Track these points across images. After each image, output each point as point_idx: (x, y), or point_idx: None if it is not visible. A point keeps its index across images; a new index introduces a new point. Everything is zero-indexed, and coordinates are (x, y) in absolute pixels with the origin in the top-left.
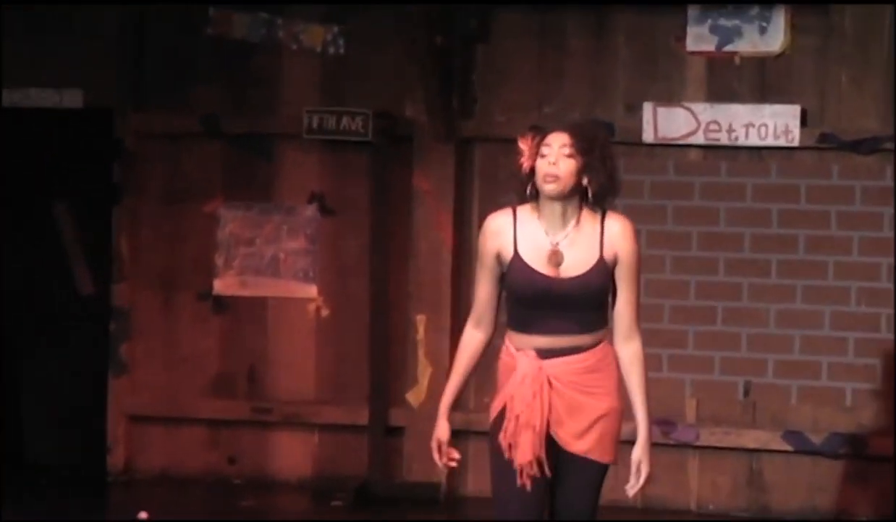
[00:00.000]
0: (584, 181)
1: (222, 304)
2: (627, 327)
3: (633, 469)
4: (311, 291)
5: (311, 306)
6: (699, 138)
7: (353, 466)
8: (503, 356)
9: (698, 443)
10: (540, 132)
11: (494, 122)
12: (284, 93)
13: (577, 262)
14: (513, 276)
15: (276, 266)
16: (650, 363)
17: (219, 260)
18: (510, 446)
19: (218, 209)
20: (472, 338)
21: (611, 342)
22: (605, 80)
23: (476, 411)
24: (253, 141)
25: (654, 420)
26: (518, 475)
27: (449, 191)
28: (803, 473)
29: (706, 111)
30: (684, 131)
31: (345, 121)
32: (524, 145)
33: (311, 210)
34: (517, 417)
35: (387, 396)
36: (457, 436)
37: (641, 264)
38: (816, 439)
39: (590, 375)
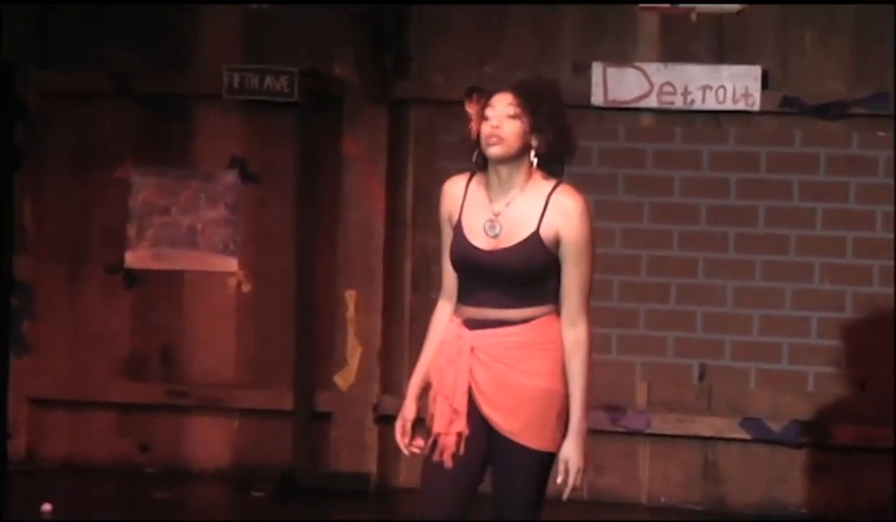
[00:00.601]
0: (532, 142)
1: (134, 278)
2: (571, 311)
3: (561, 467)
4: (232, 264)
5: (232, 281)
6: (652, 102)
7: (276, 454)
8: None
9: (649, 431)
10: (485, 94)
11: (431, 82)
12: (202, 49)
13: (511, 233)
14: (452, 245)
15: (193, 237)
16: (597, 344)
17: (131, 231)
18: (430, 417)
19: (130, 175)
20: (442, 311)
21: (557, 320)
22: (550, 37)
23: None
24: (168, 101)
25: (603, 406)
26: (429, 446)
27: (381, 156)
28: (762, 464)
29: (660, 72)
30: (636, 94)
31: (268, 80)
32: (470, 110)
33: (231, 176)
34: (432, 386)
35: (313, 378)
36: (389, 421)
37: (593, 245)
38: (776, 427)
39: (521, 351)
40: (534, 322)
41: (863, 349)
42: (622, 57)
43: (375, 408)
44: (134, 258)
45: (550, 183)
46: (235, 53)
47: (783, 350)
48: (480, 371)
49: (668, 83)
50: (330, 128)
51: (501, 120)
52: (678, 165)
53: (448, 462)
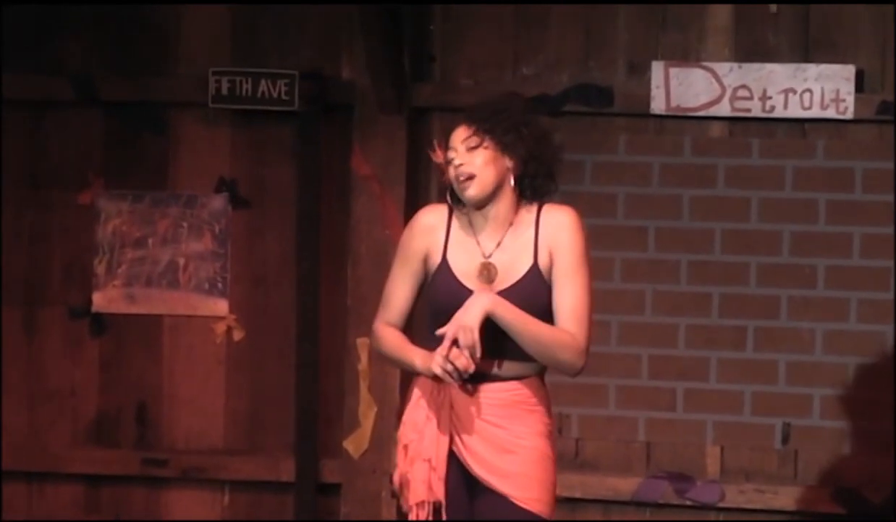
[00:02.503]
0: (507, 165)
1: (103, 324)
2: (565, 327)
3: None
4: (220, 307)
5: (220, 327)
6: (724, 109)
7: None
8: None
9: (723, 504)
10: (445, 140)
11: (458, 86)
12: (183, 49)
13: (507, 273)
14: (436, 286)
15: (173, 275)
16: (660, 401)
17: (99, 267)
18: (403, 483)
19: (97, 200)
20: (393, 330)
21: (544, 383)
22: (601, 31)
23: None
24: (142, 111)
25: (666, 475)
26: (414, 517)
27: (398, 176)
28: None
29: (733, 73)
30: (705, 100)
31: (263, 85)
32: (437, 160)
33: (219, 201)
34: (405, 447)
35: (318, 444)
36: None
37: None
38: (876, 498)
39: (507, 410)
40: (525, 381)
41: None
42: (688, 55)
43: (395, 486)
44: (103, 300)
45: (535, 206)
46: (223, 54)
47: (883, 407)
48: (465, 430)
49: (744, 86)
50: (337, 141)
51: (464, 156)
52: (756, 184)
53: None
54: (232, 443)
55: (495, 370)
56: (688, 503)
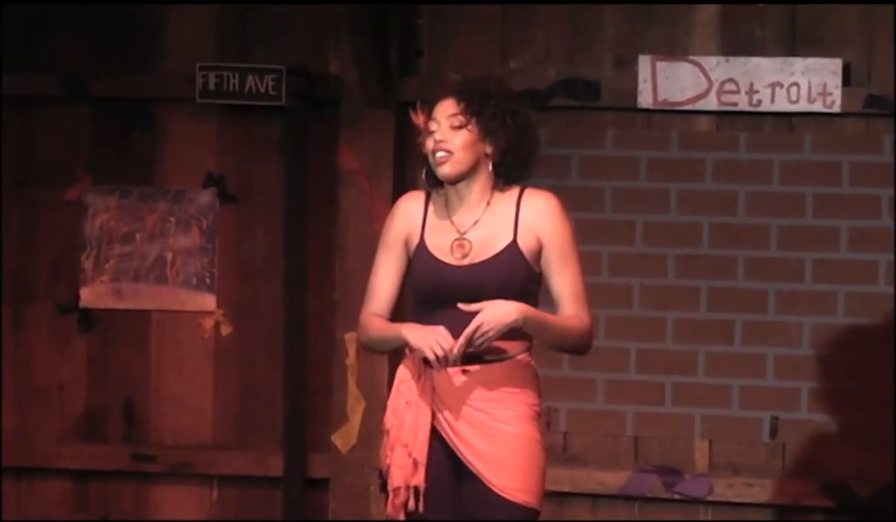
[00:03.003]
0: (486, 150)
1: (91, 320)
2: (570, 310)
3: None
4: (208, 302)
5: (208, 322)
6: (711, 102)
7: None
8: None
9: (711, 498)
10: (430, 104)
11: (446, 81)
12: (170, 44)
13: (484, 247)
14: (416, 265)
15: (161, 270)
16: (649, 395)
17: (86, 262)
18: (386, 468)
19: (84, 195)
20: (375, 317)
21: (531, 363)
22: (588, 25)
23: None
24: (130, 107)
25: (655, 468)
26: (389, 504)
27: (386, 171)
28: None
29: (720, 67)
30: (692, 94)
31: (250, 80)
32: (417, 122)
33: (206, 196)
34: (387, 432)
35: (307, 439)
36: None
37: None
38: (865, 492)
39: (491, 393)
40: (508, 363)
41: None
42: (674, 49)
43: (381, 474)
44: (90, 296)
45: (515, 190)
46: (210, 49)
47: (871, 400)
48: (450, 414)
49: (731, 80)
50: (324, 136)
51: (446, 133)
52: (743, 178)
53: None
54: (220, 438)
55: (479, 353)
56: (676, 496)
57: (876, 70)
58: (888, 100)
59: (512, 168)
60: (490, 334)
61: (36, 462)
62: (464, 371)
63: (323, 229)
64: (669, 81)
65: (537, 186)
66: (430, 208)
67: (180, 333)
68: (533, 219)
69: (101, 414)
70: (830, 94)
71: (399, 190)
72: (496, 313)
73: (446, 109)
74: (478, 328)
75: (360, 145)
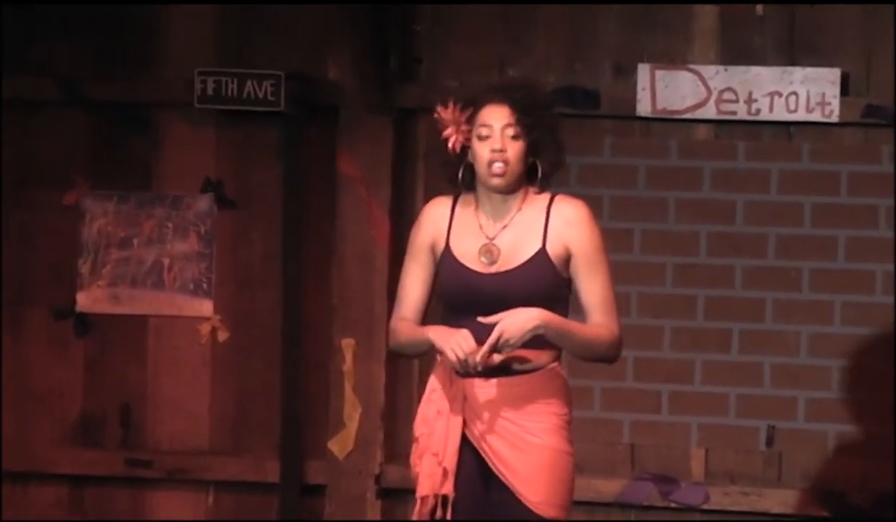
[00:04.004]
0: (538, 164)
1: (88, 324)
2: (599, 319)
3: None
4: (205, 307)
5: (205, 328)
6: (710, 111)
7: None
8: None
9: (707, 507)
10: (469, 102)
11: (444, 88)
12: (169, 49)
13: (513, 254)
14: (442, 272)
15: (158, 275)
16: (645, 403)
17: (83, 267)
18: (416, 476)
19: (82, 200)
20: (405, 321)
21: (560, 371)
22: (588, 33)
23: None
24: (128, 111)
25: (651, 476)
26: (415, 513)
27: (384, 177)
28: None
29: (719, 76)
30: (690, 102)
31: (249, 86)
32: (446, 116)
33: (204, 202)
34: (417, 440)
35: (303, 445)
36: (394, 496)
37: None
38: (862, 502)
39: (523, 404)
40: (537, 374)
41: None
42: (674, 58)
43: (378, 480)
44: (87, 301)
45: (545, 196)
46: (209, 54)
47: (867, 409)
48: (479, 422)
49: (729, 89)
50: (322, 143)
51: (504, 142)
52: (741, 187)
53: None
54: (216, 444)
55: (508, 363)
56: (672, 505)
57: (874, 80)
58: (887, 110)
59: (542, 178)
60: (512, 341)
61: (32, 466)
62: (488, 379)
63: (320, 235)
64: (668, 90)
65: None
66: (457, 211)
67: (177, 338)
68: (562, 227)
69: (98, 419)
70: (829, 103)
71: (397, 197)
72: (517, 320)
73: (501, 117)
74: (500, 335)
75: (359, 152)
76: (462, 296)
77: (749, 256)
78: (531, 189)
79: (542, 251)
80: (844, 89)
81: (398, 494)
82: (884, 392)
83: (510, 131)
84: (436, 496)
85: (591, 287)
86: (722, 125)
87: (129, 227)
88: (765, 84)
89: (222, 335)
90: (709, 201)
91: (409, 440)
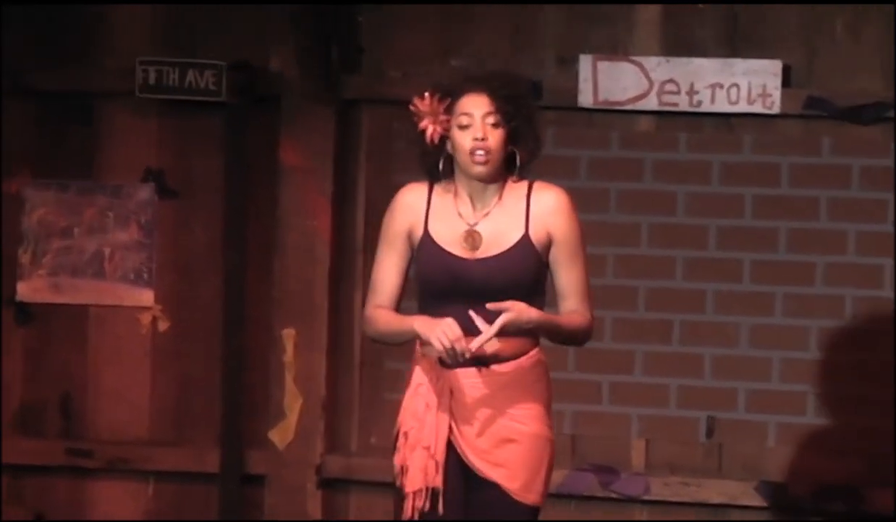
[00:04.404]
0: (516, 152)
1: (28, 314)
2: (574, 305)
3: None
4: (146, 297)
5: (146, 318)
6: (651, 103)
7: None
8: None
9: (648, 497)
10: (447, 92)
11: (387, 78)
12: (110, 39)
13: (496, 241)
14: (421, 258)
15: (99, 265)
16: (586, 394)
17: (24, 257)
18: (402, 470)
19: (23, 189)
20: (383, 309)
21: (540, 353)
22: (530, 24)
23: (360, 455)
24: (69, 101)
25: (591, 467)
26: (408, 507)
27: (327, 167)
28: None
29: (661, 67)
30: (632, 93)
31: (190, 75)
32: (423, 108)
33: (145, 191)
34: (405, 434)
35: (243, 435)
36: (335, 486)
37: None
38: (800, 492)
39: (506, 392)
40: (523, 359)
41: None
42: (616, 49)
43: (319, 470)
44: (28, 290)
45: (523, 184)
46: (150, 44)
47: (808, 401)
48: (462, 417)
49: (671, 80)
50: (265, 133)
51: (486, 130)
52: (683, 179)
53: None
54: (157, 434)
55: (494, 352)
56: (613, 495)
57: (816, 72)
58: (828, 101)
59: (521, 167)
60: (519, 323)
61: None
62: (476, 368)
63: (262, 225)
64: (610, 81)
65: None
66: (434, 199)
67: (118, 328)
68: (544, 214)
69: (38, 409)
70: (770, 95)
71: (339, 187)
72: (520, 320)
73: (481, 105)
74: (505, 325)
75: (301, 142)
76: (445, 282)
77: (690, 247)
78: (510, 178)
79: (526, 238)
80: (786, 81)
81: (339, 484)
82: (824, 384)
83: (491, 119)
84: (428, 489)
85: (570, 274)
86: (664, 116)
87: (69, 216)
88: (706, 76)
89: (163, 325)
90: (650, 192)
91: (350, 430)
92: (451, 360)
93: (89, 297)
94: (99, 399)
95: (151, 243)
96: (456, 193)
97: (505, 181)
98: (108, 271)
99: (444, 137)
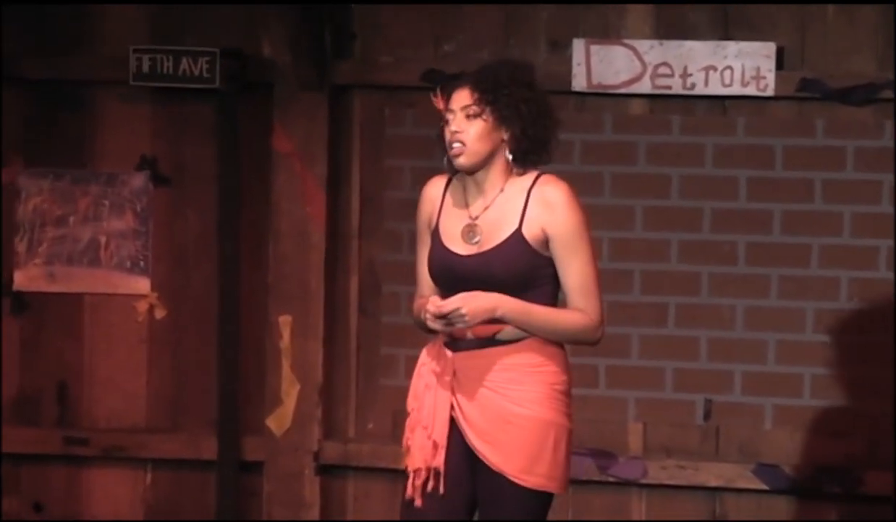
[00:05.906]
0: (503, 137)
1: (24, 303)
2: (577, 303)
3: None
4: (142, 285)
5: (142, 306)
6: (645, 86)
7: (196, 512)
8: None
9: (645, 480)
10: (447, 89)
11: (379, 64)
12: (103, 27)
13: (493, 234)
14: (430, 253)
15: (94, 253)
16: (582, 377)
17: (19, 246)
18: (406, 449)
19: (17, 178)
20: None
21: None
22: (522, 8)
23: (357, 441)
24: (63, 89)
25: (588, 451)
26: (409, 485)
27: (320, 153)
28: (779, 518)
29: (654, 50)
30: (625, 77)
31: (184, 63)
32: (438, 106)
33: (140, 179)
34: (409, 414)
35: (240, 422)
36: (332, 472)
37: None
38: (796, 474)
39: (509, 374)
40: (526, 341)
41: None
42: (608, 32)
43: (316, 456)
44: (23, 279)
45: (531, 176)
46: (144, 32)
47: (805, 383)
48: (464, 398)
49: (665, 63)
50: (258, 119)
51: (461, 123)
52: (676, 161)
53: (420, 502)
54: (153, 422)
55: (498, 332)
56: (610, 479)
57: (809, 54)
58: (821, 83)
59: (529, 153)
60: (468, 318)
61: None
62: (479, 349)
63: (256, 211)
64: (603, 65)
65: None
66: (449, 191)
67: (114, 316)
68: (540, 209)
69: (34, 398)
70: (764, 77)
71: (332, 173)
72: (476, 298)
73: (462, 100)
74: (457, 308)
75: (294, 128)
76: (445, 276)
77: (684, 230)
78: (517, 170)
79: (518, 232)
80: (779, 63)
81: (336, 470)
82: (819, 365)
83: (469, 111)
84: (428, 468)
85: (568, 270)
86: (657, 100)
87: (64, 205)
88: (700, 58)
89: (159, 313)
90: (644, 175)
91: (347, 416)
92: (446, 328)
93: (85, 285)
94: (95, 388)
95: (146, 231)
96: (464, 186)
97: (510, 174)
98: (103, 260)
99: None
